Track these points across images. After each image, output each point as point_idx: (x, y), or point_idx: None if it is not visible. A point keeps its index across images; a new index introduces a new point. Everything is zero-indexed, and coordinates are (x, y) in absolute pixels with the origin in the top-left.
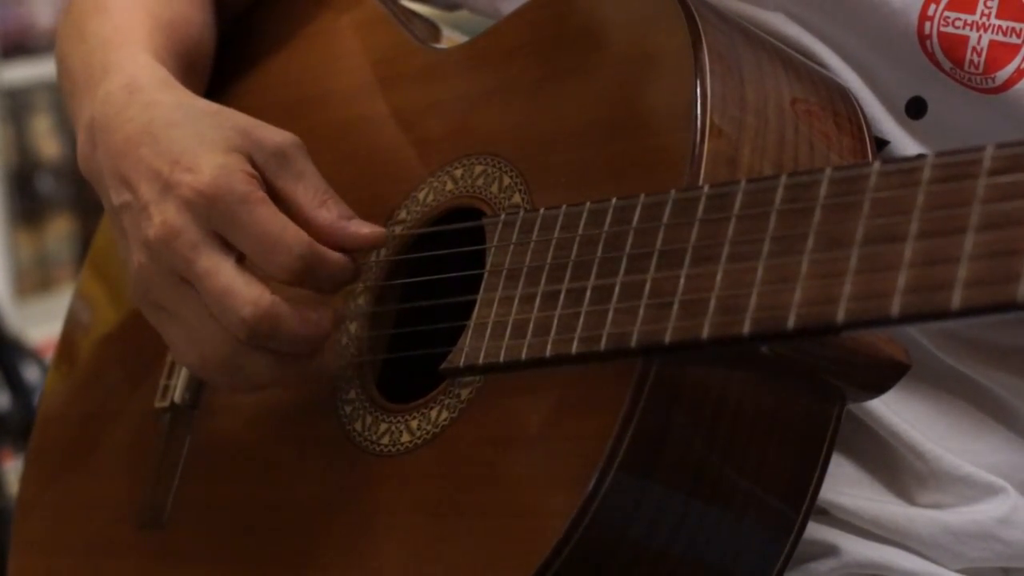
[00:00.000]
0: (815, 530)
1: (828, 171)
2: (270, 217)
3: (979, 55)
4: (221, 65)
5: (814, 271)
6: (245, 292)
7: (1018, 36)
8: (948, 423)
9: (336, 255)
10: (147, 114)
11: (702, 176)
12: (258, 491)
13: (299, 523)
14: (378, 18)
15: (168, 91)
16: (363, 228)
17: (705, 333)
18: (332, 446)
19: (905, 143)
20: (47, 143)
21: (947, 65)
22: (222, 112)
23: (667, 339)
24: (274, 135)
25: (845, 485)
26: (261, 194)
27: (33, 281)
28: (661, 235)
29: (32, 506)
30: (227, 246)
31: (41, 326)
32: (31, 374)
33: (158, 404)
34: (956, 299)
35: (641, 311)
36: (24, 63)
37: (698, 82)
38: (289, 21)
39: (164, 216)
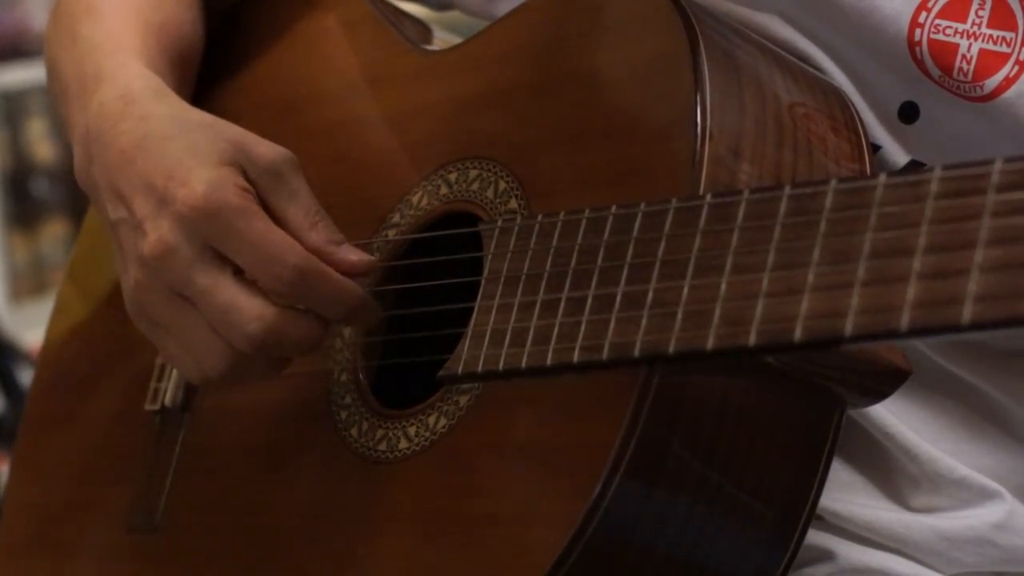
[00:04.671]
0: (811, 535)
1: (833, 183)
2: (267, 229)
3: (968, 63)
4: (207, 64)
5: (821, 283)
6: (249, 307)
7: (1008, 45)
8: (943, 425)
9: (333, 272)
10: (142, 127)
11: (703, 182)
12: (251, 496)
13: (293, 528)
14: (367, 18)
15: (162, 102)
16: (351, 255)
17: (710, 344)
18: (327, 451)
19: (896, 149)
20: (42, 146)
21: (935, 73)
22: (217, 124)
23: (671, 349)
24: (269, 150)
25: (840, 491)
26: (256, 207)
27: (28, 284)
28: (663, 245)
29: (18, 510)
30: (224, 260)
31: (36, 329)
32: (26, 377)
33: (148, 407)
34: (967, 313)
35: (644, 320)
36: (19, 66)
37: (697, 87)
38: (276, 20)
39: (159, 232)
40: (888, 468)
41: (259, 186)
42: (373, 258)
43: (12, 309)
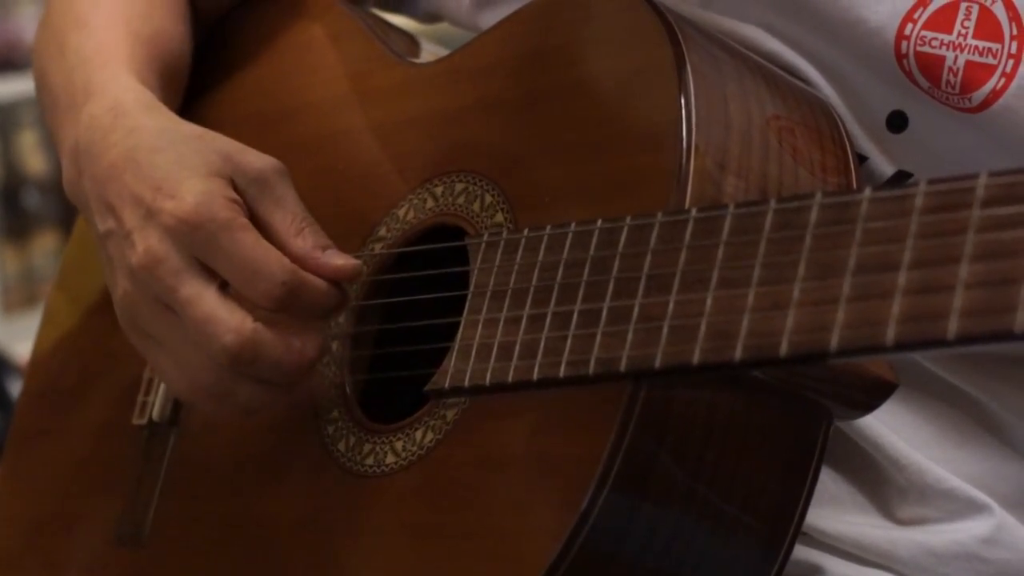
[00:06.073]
0: (799, 551)
1: (818, 197)
2: (252, 244)
3: (955, 75)
4: (195, 76)
5: (806, 298)
6: (227, 319)
7: (994, 56)
8: (933, 431)
9: (320, 282)
10: (131, 140)
11: (688, 195)
12: (239, 510)
13: (281, 543)
14: (353, 30)
15: (152, 115)
16: (337, 259)
17: (696, 358)
18: (314, 466)
19: (883, 159)
20: (33, 158)
21: (924, 84)
22: (206, 136)
23: (657, 364)
24: (256, 160)
25: (826, 506)
26: (243, 220)
27: (19, 297)
28: (648, 260)
29: (6, 522)
30: (210, 273)
31: (27, 342)
32: (17, 390)
33: (136, 421)
34: (952, 328)
35: (630, 335)
36: (11, 78)
37: (683, 100)
38: (263, 33)
39: (147, 243)
40: (876, 479)
41: (247, 195)
42: (358, 262)
43: (3, 321)
